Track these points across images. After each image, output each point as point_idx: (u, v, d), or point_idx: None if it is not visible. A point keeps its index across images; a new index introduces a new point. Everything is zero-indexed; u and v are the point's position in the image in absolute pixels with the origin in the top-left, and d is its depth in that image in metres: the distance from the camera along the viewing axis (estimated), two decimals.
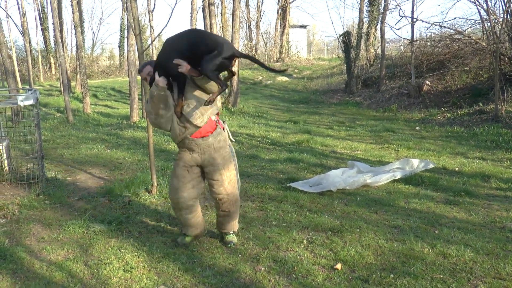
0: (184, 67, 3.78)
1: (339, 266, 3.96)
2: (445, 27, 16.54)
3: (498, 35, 12.35)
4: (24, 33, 22.64)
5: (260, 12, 36.00)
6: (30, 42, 25.07)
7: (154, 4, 15.98)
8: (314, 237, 4.63)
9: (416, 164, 7.26)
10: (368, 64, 21.81)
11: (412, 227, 4.89)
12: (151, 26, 22.09)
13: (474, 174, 7.08)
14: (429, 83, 16.19)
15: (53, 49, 31.07)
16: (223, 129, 4.36)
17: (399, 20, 40.23)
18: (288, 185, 6.46)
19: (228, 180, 4.25)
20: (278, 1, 33.41)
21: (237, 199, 4.39)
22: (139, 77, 16.83)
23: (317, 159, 8.31)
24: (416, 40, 17.97)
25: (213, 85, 3.92)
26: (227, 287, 3.67)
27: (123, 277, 3.82)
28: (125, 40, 30.84)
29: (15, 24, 26.24)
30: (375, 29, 21.48)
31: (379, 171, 6.95)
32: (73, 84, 23.94)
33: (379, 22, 20.41)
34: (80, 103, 17.15)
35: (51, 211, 5.50)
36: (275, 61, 31.94)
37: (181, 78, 3.96)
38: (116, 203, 5.74)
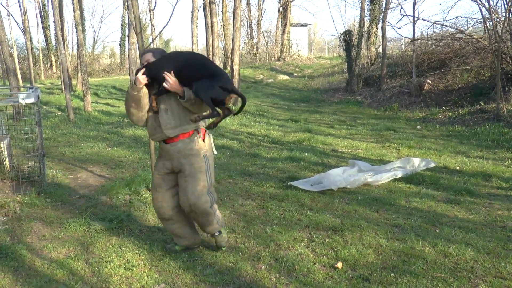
0: (170, 83, 3.68)
1: (339, 264, 3.96)
2: (446, 26, 16.58)
3: (500, 34, 12.33)
4: (25, 31, 22.66)
5: (261, 10, 36.03)
6: (31, 40, 25.09)
7: (155, 3, 15.98)
8: (314, 236, 4.63)
9: (417, 163, 7.26)
10: (369, 63, 21.80)
11: (413, 226, 4.89)
12: (152, 25, 22.13)
13: (475, 173, 7.08)
14: (430, 82, 16.18)
15: (54, 47, 31.12)
16: (203, 139, 3.99)
17: (401, 19, 40.12)
18: (289, 183, 6.46)
19: (192, 191, 3.89)
20: (279, 0, 33.38)
21: (205, 213, 3.96)
22: None
23: (318, 157, 8.31)
24: (418, 39, 17.95)
25: (197, 108, 3.77)
26: (227, 285, 3.67)
27: (124, 275, 3.82)
28: (126, 38, 30.84)
29: (16, 22, 26.28)
30: (376, 28, 21.46)
31: (380, 170, 6.95)
32: (74, 82, 23.97)
33: (380, 20, 20.40)
34: (81, 101, 17.15)
35: (52, 209, 5.51)
36: (276, 60, 31.93)
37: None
38: (117, 202, 5.75)
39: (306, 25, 37.33)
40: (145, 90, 3.83)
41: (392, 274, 3.78)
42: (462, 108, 13.54)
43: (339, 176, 6.53)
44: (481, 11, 13.93)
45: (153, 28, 21.62)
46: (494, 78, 12.84)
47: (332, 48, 40.83)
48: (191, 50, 3.97)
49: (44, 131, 10.41)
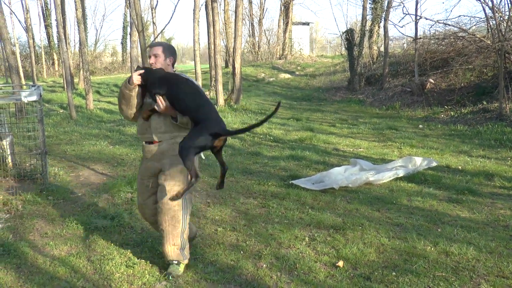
0: (161, 108, 3.60)
1: (341, 263, 3.96)
2: (449, 25, 16.51)
3: (503, 33, 12.31)
4: (28, 29, 22.68)
5: (263, 9, 36.02)
6: (33, 39, 25.12)
7: (157, 1, 15.97)
8: (316, 235, 4.63)
9: (419, 162, 7.25)
10: (371, 61, 21.78)
11: (414, 225, 4.89)
12: (154, 23, 22.13)
13: (477, 172, 7.07)
14: (433, 81, 16.16)
15: (56, 45, 31.16)
16: None
17: (403, 18, 40.24)
18: (290, 182, 6.46)
19: (168, 189, 3.70)
20: None
21: (174, 217, 3.73)
22: None
23: (319, 156, 8.31)
24: (420, 38, 17.93)
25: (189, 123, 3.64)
26: (229, 283, 3.67)
27: (125, 273, 3.83)
28: (128, 36, 30.84)
29: (19, 20, 26.40)
30: (379, 27, 21.45)
31: (381, 169, 6.95)
32: (76, 80, 23.99)
33: (383, 19, 20.39)
34: (83, 99, 17.18)
35: (54, 207, 5.52)
36: (278, 58, 31.92)
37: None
38: (119, 199, 5.76)
39: (308, 24, 37.34)
40: (137, 90, 3.73)
41: (394, 273, 3.78)
42: (464, 107, 13.52)
43: (341, 175, 6.53)
44: (484, 10, 13.93)
45: (155, 26, 21.61)
46: (497, 77, 12.82)
47: (334, 46, 40.77)
48: (195, 80, 3.87)
49: (46, 129, 10.41)
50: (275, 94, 21.35)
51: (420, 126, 12.23)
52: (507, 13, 13.17)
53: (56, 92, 21.50)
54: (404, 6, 22.00)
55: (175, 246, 3.75)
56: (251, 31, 35.36)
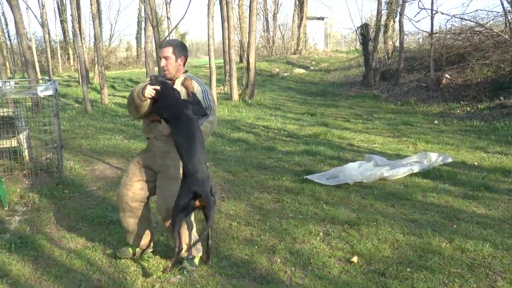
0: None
1: (355, 259, 3.95)
2: (466, 19, 16.36)
3: None
4: (44, 24, 22.88)
5: (277, 3, 35.89)
6: (49, 34, 25.33)
7: None
8: (330, 230, 4.62)
9: (434, 158, 7.20)
10: (386, 56, 21.62)
11: (429, 221, 4.86)
12: (168, 18, 22.18)
13: (494, 168, 6.99)
14: (449, 76, 16.00)
15: (72, 40, 31.36)
16: None
17: (418, 12, 39.84)
18: (304, 177, 6.46)
19: (174, 193, 3.51)
20: None
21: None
22: (156, 68, 16.91)
23: (334, 151, 8.28)
24: (436, 33, 17.76)
25: None
26: (243, 278, 3.68)
27: (140, 266, 3.85)
28: (143, 31, 30.96)
29: (35, 15, 26.56)
30: (394, 21, 21.27)
31: (396, 165, 6.91)
32: (91, 75, 24.16)
33: (398, 14, 20.21)
34: (98, 94, 17.28)
35: (70, 200, 5.58)
36: (292, 53, 31.83)
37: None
38: None
39: (322, 19, 37.13)
40: (148, 101, 3.65)
41: (408, 269, 3.76)
42: (481, 103, 13.36)
43: (355, 170, 6.51)
44: (502, 4, 13.77)
45: (169, 21, 21.66)
46: None
47: (348, 41, 40.53)
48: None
49: (61, 123, 10.50)
50: (289, 89, 21.31)
51: (436, 121, 12.13)
52: None
53: (71, 87, 21.67)
54: (420, 0, 21.77)
55: (187, 244, 3.76)
56: (265, 26, 35.31)
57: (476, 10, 23.40)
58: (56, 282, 3.59)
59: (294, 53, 31.69)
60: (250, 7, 16.50)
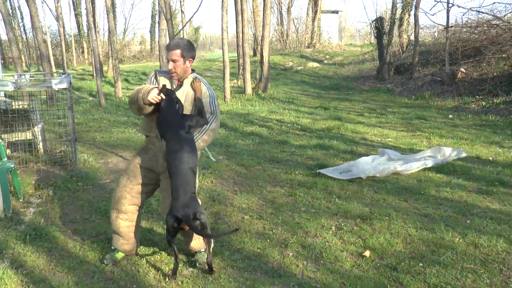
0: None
1: (367, 253, 3.94)
2: (482, 12, 16.12)
3: None
4: (58, 18, 23.00)
5: None
6: (64, 27, 25.46)
7: None
8: (342, 224, 4.61)
9: (448, 152, 7.14)
10: (400, 50, 21.43)
11: (442, 216, 4.82)
12: (182, 11, 22.19)
13: (509, 163, 6.92)
14: (464, 70, 15.82)
15: (86, 34, 31.55)
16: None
17: (434, 5, 39.36)
18: (317, 171, 6.44)
19: None
20: None
21: None
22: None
23: (347, 146, 8.25)
24: (452, 26, 17.54)
25: None
26: (255, 271, 3.69)
27: (152, 259, 3.88)
28: (156, 25, 31.01)
29: (50, 9, 26.72)
30: (409, 15, 21.05)
31: (410, 159, 6.86)
32: (105, 68, 24.27)
33: (413, 7, 19.98)
34: (112, 87, 17.36)
35: (84, 193, 5.62)
36: (306, 47, 31.69)
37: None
38: None
39: (337, 12, 36.90)
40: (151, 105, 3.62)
41: (421, 264, 3.74)
42: (496, 97, 13.20)
43: (368, 165, 6.48)
44: None
45: (183, 15, 21.68)
46: None
47: (363, 35, 40.25)
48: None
49: (75, 116, 10.59)
50: (303, 83, 21.24)
51: (450, 116, 12.02)
52: None
53: (85, 80, 21.80)
54: None
55: (199, 238, 3.77)
56: (279, 20, 35.17)
57: (494, 3, 22.82)
58: (70, 273, 3.63)
59: (308, 47, 31.54)
60: (264, 0, 16.44)
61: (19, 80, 6.37)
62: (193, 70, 3.83)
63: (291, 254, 3.97)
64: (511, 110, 11.75)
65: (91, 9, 16.93)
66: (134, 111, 3.79)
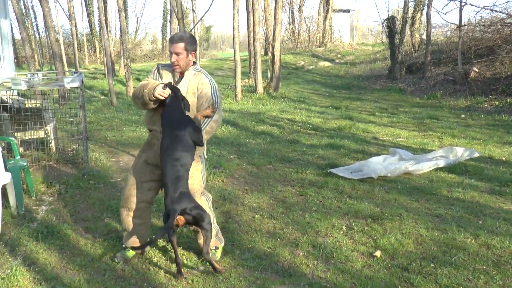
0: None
1: (378, 253, 3.92)
2: (496, 11, 15.97)
3: None
4: (71, 17, 23.18)
5: None
6: (76, 26, 25.66)
7: None
8: (353, 224, 4.59)
9: (460, 152, 7.08)
10: (412, 49, 21.31)
11: (454, 217, 4.79)
12: (193, 10, 22.21)
13: None
14: (477, 70, 15.69)
15: (98, 33, 31.70)
16: None
17: (447, 4, 39.11)
18: (328, 171, 6.42)
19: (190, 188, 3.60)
20: None
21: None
22: None
23: (358, 145, 8.22)
24: (464, 25, 17.41)
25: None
26: (265, 270, 3.69)
27: (163, 257, 3.89)
28: (168, 24, 31.11)
29: (62, 8, 26.81)
30: (421, 14, 20.92)
31: (421, 159, 6.82)
32: (117, 67, 24.39)
33: (426, 6, 19.85)
34: (124, 86, 17.46)
35: (95, 191, 5.65)
36: (318, 46, 31.62)
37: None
38: None
39: (348, 11, 36.78)
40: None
41: (432, 265, 3.72)
42: (510, 96, 13.08)
43: (380, 164, 6.45)
44: None
45: (194, 14, 21.68)
46: None
47: (374, 34, 40.08)
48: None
49: (87, 115, 10.66)
50: (314, 82, 21.19)
51: (463, 115, 11.93)
52: None
53: (97, 79, 21.92)
54: None
55: (214, 235, 3.79)
56: (291, 19, 35.14)
57: (508, 1, 22.73)
58: (81, 271, 3.65)
59: (320, 46, 31.48)
60: None
61: (32, 79, 6.42)
62: (194, 63, 3.84)
63: (301, 253, 3.97)
64: None
65: (103, 8, 17.01)
66: (138, 106, 3.82)
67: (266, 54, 26.26)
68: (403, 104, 14.66)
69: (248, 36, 19.33)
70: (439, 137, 9.07)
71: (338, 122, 10.73)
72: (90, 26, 34.28)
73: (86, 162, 6.48)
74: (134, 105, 3.88)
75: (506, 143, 8.40)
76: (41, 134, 6.91)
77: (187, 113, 3.62)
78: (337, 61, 26.92)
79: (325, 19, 31.89)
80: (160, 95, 3.54)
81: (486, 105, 13.10)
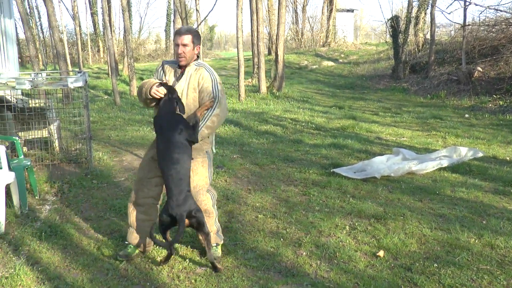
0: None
1: (381, 253, 3.91)
2: (501, 10, 15.93)
3: None
4: (75, 17, 23.24)
5: None
6: (80, 26, 25.74)
7: None
8: (356, 224, 4.59)
9: (464, 152, 7.07)
10: (416, 49, 21.26)
11: (458, 217, 4.78)
12: (197, 10, 22.24)
13: None
14: (481, 69, 15.65)
15: (102, 32, 31.80)
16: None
17: (451, 4, 39.03)
18: (331, 170, 6.42)
19: (194, 185, 3.71)
20: None
21: (208, 210, 3.79)
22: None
23: (361, 145, 8.20)
24: (469, 25, 17.36)
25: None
26: (268, 270, 3.68)
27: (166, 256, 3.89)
28: (172, 24, 31.15)
29: (66, 8, 27.02)
30: (425, 13, 20.88)
31: (425, 159, 6.81)
32: (120, 67, 24.42)
33: (429, 5, 19.81)
34: (127, 86, 17.46)
35: (98, 190, 5.66)
36: (321, 46, 31.59)
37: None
38: None
39: (352, 11, 36.74)
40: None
41: (435, 265, 3.71)
42: None
43: (383, 164, 6.44)
44: None
45: (198, 13, 21.71)
46: None
47: (378, 34, 40.04)
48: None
49: (91, 115, 10.67)
50: (318, 81, 21.17)
51: (466, 115, 11.90)
52: None
53: (101, 79, 21.94)
54: None
55: (212, 232, 3.81)
56: (294, 18, 35.12)
57: None
58: (84, 270, 3.66)
59: (323, 46, 31.45)
60: None
61: (35, 79, 6.42)
62: (197, 57, 3.86)
63: (304, 253, 3.96)
64: None
65: (107, 8, 17.03)
66: (142, 104, 3.88)
67: (269, 53, 26.24)
68: (406, 103, 14.63)
69: (252, 35, 19.33)
70: (443, 136, 9.04)
71: (341, 121, 10.72)
72: (94, 26, 34.35)
73: (90, 162, 6.49)
74: (140, 102, 3.94)
75: (510, 143, 8.37)
76: (44, 133, 6.93)
77: (178, 113, 3.63)
78: (340, 60, 26.89)
79: (328, 18, 31.86)
80: (155, 94, 3.59)
81: (490, 105, 13.06)
